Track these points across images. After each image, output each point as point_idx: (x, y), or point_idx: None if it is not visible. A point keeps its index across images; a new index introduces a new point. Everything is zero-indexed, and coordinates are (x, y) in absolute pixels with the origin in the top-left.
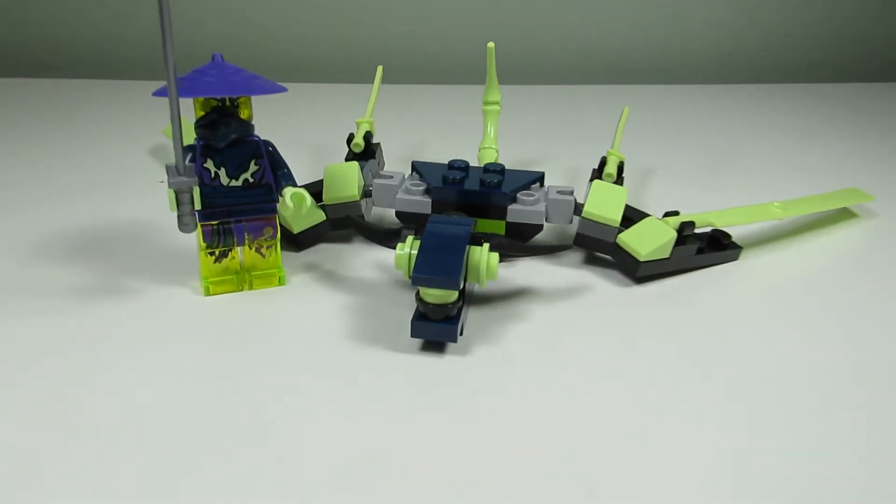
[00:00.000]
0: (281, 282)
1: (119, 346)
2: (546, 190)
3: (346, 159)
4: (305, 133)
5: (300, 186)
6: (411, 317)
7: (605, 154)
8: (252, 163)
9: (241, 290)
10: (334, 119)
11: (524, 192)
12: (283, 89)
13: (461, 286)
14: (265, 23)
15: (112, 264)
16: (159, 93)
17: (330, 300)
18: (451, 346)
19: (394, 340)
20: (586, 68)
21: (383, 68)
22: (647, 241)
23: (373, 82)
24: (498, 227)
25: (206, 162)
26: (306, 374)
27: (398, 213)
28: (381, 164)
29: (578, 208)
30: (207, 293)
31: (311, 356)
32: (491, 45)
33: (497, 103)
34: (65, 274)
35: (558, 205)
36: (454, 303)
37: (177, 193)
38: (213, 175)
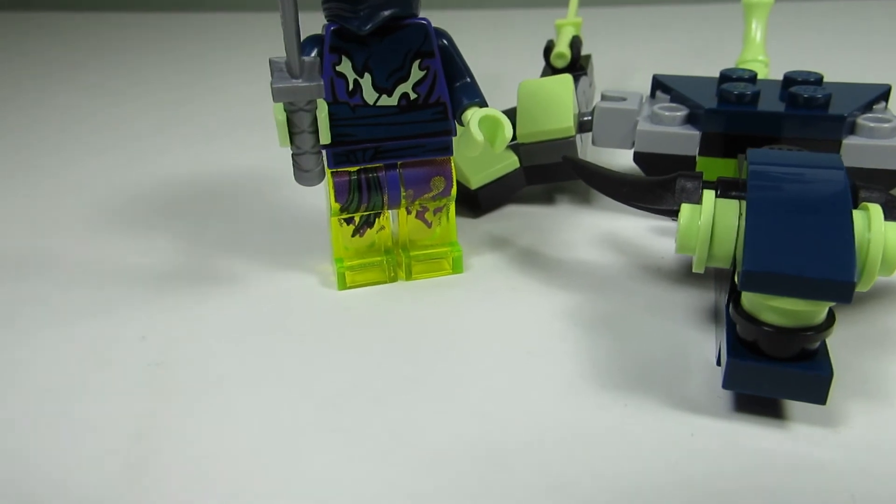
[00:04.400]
0: (456, 267)
1: (199, 377)
2: None
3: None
4: None
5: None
6: (717, 348)
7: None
8: (416, 66)
9: (394, 279)
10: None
11: (868, 115)
12: None
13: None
14: None
15: (207, 236)
16: None
17: (538, 300)
18: (803, 412)
19: (669, 384)
20: None
21: None
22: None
23: None
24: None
25: (338, 63)
26: (503, 436)
27: (639, 155)
28: (592, 86)
29: None
30: (343, 285)
31: (511, 405)
32: None
33: None
34: (142, 249)
35: None
36: (820, 326)
37: (288, 113)
38: (349, 86)
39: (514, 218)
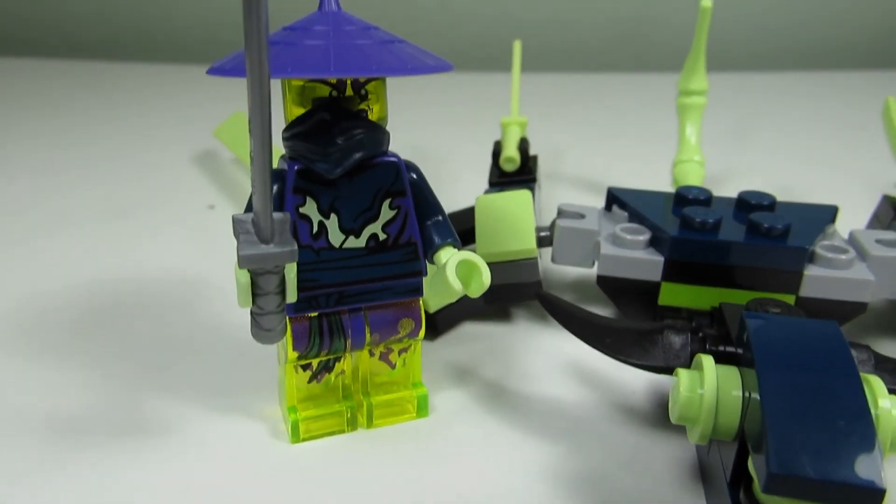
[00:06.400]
0: (421, 411)
1: None
2: (852, 237)
3: (491, 182)
4: None
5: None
6: None
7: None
8: (386, 205)
9: (354, 428)
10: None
11: (824, 244)
12: (449, 66)
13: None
14: None
15: (122, 367)
16: (220, 70)
17: (512, 454)
18: None
19: None
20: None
21: (521, 44)
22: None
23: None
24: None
25: (302, 204)
26: None
27: (602, 279)
28: (540, 188)
29: None
30: (296, 437)
31: None
32: (707, 3)
33: (703, 93)
34: (32, 386)
35: (891, 265)
36: None
37: (254, 276)
38: (314, 229)
39: (472, 341)
